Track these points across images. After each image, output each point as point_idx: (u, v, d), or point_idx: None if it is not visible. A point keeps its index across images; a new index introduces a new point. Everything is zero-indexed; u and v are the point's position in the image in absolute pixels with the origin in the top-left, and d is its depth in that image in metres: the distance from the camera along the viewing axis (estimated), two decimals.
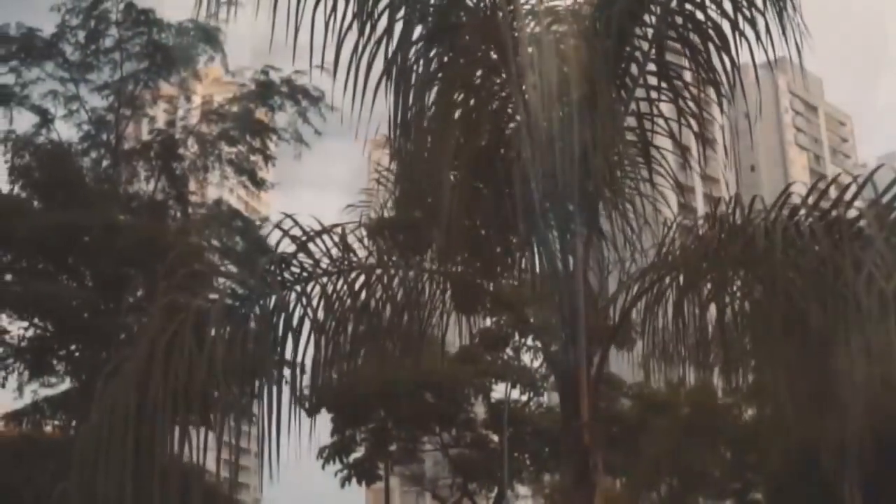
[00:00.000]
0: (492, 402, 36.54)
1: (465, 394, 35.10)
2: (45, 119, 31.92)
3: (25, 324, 25.12)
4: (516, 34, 6.93)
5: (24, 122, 31.85)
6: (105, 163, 32.86)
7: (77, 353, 25.80)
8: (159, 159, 33.21)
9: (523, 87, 6.86)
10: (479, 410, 37.17)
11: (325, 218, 8.54)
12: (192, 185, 34.19)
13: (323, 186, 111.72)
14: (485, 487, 38.72)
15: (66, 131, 35.42)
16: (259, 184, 34.75)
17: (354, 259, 8.27)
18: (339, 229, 8.25)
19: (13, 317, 24.94)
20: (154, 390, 6.59)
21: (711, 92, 8.84)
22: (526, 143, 6.84)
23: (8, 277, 24.94)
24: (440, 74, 7.75)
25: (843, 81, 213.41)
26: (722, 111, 8.79)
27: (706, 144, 9.26)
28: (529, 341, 35.38)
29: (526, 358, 36.41)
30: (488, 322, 34.47)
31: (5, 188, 25.99)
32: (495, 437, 36.23)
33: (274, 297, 7.65)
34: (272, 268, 7.81)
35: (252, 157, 34.12)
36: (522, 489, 43.91)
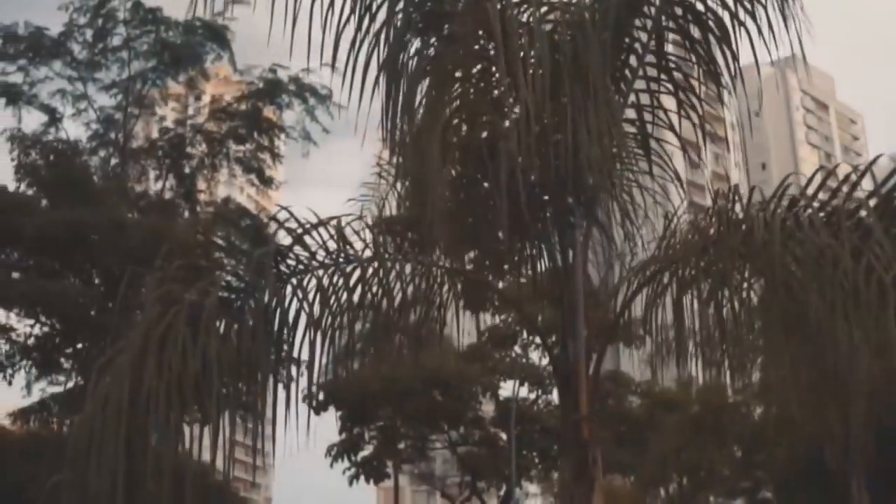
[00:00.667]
0: (500, 400, 36.49)
1: (473, 392, 35.04)
2: (54, 118, 32.06)
3: (32, 321, 25.13)
4: (507, 23, 6.82)
5: (33, 121, 31.95)
6: (113, 161, 32.97)
7: (84, 351, 25.83)
8: (167, 158, 33.30)
9: (515, 77, 6.77)
10: (489, 409, 37.13)
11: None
12: (201, 184, 34.24)
13: (334, 185, 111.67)
14: (494, 486, 38.67)
15: (74, 130, 35.57)
16: (267, 182, 34.80)
17: (351, 252, 8.21)
18: (334, 222, 8.19)
19: (20, 314, 24.97)
20: (148, 383, 6.55)
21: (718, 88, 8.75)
22: (513, 134, 6.75)
23: (15, 275, 24.92)
24: (434, 66, 7.66)
25: (855, 80, 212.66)
26: (723, 104, 8.72)
27: (708, 139, 9.17)
28: (538, 339, 35.33)
29: (534, 355, 36.38)
30: (496, 319, 34.47)
31: (12, 186, 26.01)
32: (504, 435, 36.18)
33: (269, 291, 7.57)
34: (268, 260, 7.74)
35: (260, 155, 34.17)
36: (532, 487, 43.87)
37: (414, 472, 41.78)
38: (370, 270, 8.12)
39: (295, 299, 7.82)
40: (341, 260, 8.11)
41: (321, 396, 32.51)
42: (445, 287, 8.83)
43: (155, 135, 34.43)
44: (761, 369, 10.64)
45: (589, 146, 7.00)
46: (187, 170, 33.50)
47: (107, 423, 6.43)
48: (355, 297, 8.06)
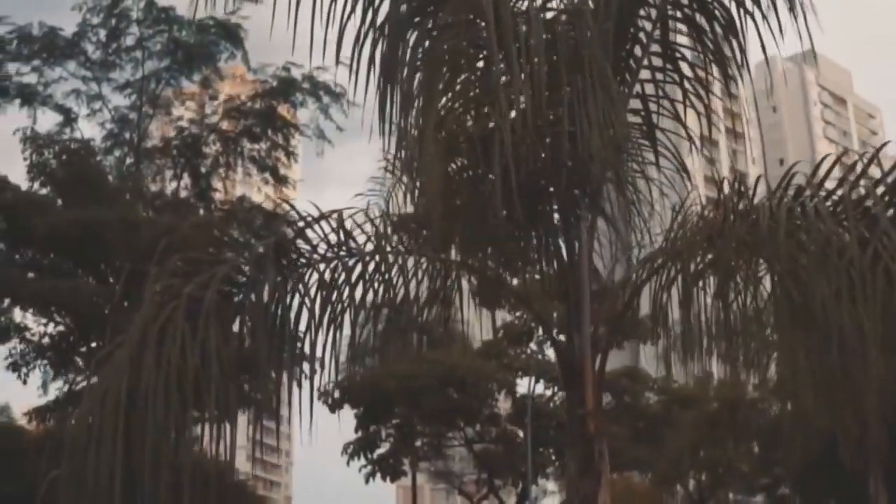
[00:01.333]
0: (516, 397, 36.39)
1: (489, 389, 34.95)
2: (69, 118, 32.15)
3: (45, 320, 25.12)
4: (500, 9, 6.67)
5: (48, 121, 32.05)
6: (128, 161, 33.05)
7: (99, 350, 25.84)
8: (182, 157, 33.36)
9: (509, 65, 6.63)
10: (505, 406, 37.04)
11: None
12: (217, 183, 34.29)
13: (353, 183, 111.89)
14: (511, 483, 38.57)
15: (89, 130, 35.64)
16: (281, 180, 34.79)
17: (354, 246, 8.12)
18: (336, 216, 8.10)
19: (35, 314, 24.98)
20: (146, 378, 6.49)
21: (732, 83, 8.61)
22: (506, 124, 6.63)
23: (31, 275, 24.93)
24: (429, 56, 7.53)
25: (873, 74, 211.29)
26: (730, 95, 8.61)
27: (726, 135, 9.09)
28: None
29: (550, 352, 36.22)
30: (511, 316, 34.34)
31: (25, 186, 25.99)
32: (521, 433, 36.06)
33: (268, 284, 7.49)
34: (268, 253, 7.66)
35: (274, 154, 34.18)
36: (549, 485, 43.72)
37: (430, 469, 41.72)
38: (372, 264, 8.04)
39: (297, 294, 7.76)
40: (343, 253, 8.02)
41: (336, 394, 32.52)
42: (450, 282, 8.73)
43: (171, 134, 34.51)
44: (774, 363, 10.48)
45: (588, 136, 6.90)
46: (202, 169, 33.56)
47: (105, 418, 6.39)
48: (358, 292, 7.98)
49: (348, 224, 8.20)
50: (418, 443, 37.31)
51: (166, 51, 32.80)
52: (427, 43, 7.51)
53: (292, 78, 32.90)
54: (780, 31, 7.90)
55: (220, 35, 32.84)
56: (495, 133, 6.81)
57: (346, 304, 7.84)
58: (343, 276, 7.90)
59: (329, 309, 7.82)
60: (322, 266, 7.90)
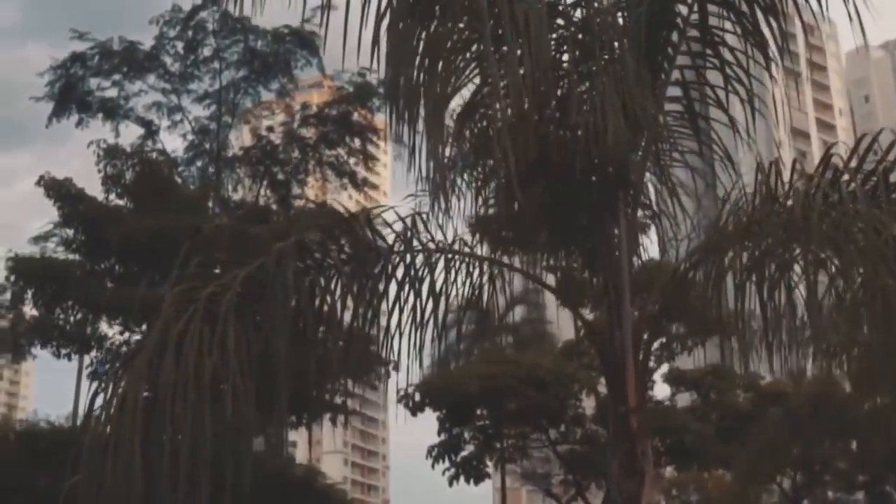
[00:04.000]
0: (600, 397, 35.88)
1: (571, 389, 34.51)
2: (150, 130, 32.75)
3: (121, 328, 25.45)
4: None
5: (132, 135, 32.75)
6: (210, 170, 33.51)
7: None
8: (261, 165, 33.68)
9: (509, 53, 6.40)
10: (590, 405, 36.55)
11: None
12: (298, 190, 34.53)
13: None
14: (596, 484, 38.04)
15: (171, 142, 36.26)
16: (359, 185, 34.86)
17: (382, 245, 7.99)
18: (362, 216, 8.00)
19: (117, 323, 25.33)
20: (164, 380, 6.45)
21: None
22: (502, 108, 6.43)
23: (109, 284, 25.31)
24: (430, 41, 7.32)
25: None
26: (771, 76, 8.30)
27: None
28: None
29: None
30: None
31: (101, 197, 26.40)
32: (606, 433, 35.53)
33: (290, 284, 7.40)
34: (289, 253, 7.57)
35: (352, 159, 34.30)
36: None
37: (516, 471, 41.37)
38: (400, 263, 7.92)
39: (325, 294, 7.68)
40: (371, 253, 7.91)
41: (417, 397, 32.49)
42: (485, 279, 8.55)
43: (248, 142, 34.93)
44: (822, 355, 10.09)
45: (603, 125, 6.68)
46: (281, 176, 33.85)
47: (123, 421, 6.37)
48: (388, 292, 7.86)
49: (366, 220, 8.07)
50: (503, 444, 36.98)
51: (243, 60, 33.19)
52: (430, 29, 7.27)
53: (368, 83, 32.94)
54: (823, 14, 7.63)
55: (296, 44, 33.09)
56: (492, 120, 6.63)
57: (374, 304, 7.74)
58: (370, 281, 7.78)
59: (359, 310, 7.72)
60: (346, 268, 7.78)
